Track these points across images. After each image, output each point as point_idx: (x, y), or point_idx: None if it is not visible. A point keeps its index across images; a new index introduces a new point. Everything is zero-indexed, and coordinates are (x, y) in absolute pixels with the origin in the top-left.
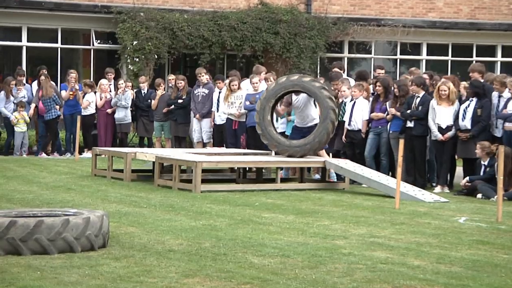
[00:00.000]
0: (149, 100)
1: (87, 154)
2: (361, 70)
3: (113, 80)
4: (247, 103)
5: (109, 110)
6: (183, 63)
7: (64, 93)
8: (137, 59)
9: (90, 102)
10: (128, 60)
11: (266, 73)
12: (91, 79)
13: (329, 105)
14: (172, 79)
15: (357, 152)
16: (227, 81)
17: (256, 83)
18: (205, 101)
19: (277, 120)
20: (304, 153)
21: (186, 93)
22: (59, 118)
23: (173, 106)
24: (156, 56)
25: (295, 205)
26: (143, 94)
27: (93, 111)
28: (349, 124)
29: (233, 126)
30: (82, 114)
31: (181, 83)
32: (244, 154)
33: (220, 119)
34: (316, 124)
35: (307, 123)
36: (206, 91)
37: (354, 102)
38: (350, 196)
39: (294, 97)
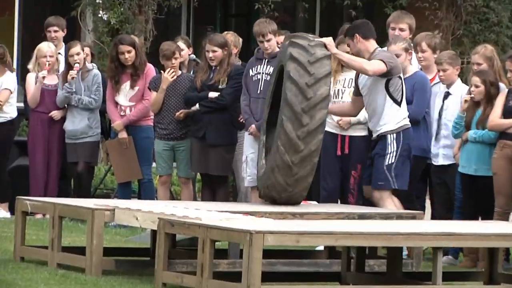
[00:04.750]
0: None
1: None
2: None
3: (63, 45)
4: None
5: (54, 113)
6: (221, 10)
7: None
8: None
9: None
10: (99, 0)
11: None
12: (16, 41)
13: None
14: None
15: None
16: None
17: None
18: None
19: (436, 138)
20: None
21: (229, 76)
22: None
23: (197, 106)
24: None
25: None
26: None
27: None
28: None
29: (337, 147)
30: None
31: (215, 51)
32: (360, 216)
33: None
34: (385, 135)
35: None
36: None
37: None
38: None
39: (359, 79)
